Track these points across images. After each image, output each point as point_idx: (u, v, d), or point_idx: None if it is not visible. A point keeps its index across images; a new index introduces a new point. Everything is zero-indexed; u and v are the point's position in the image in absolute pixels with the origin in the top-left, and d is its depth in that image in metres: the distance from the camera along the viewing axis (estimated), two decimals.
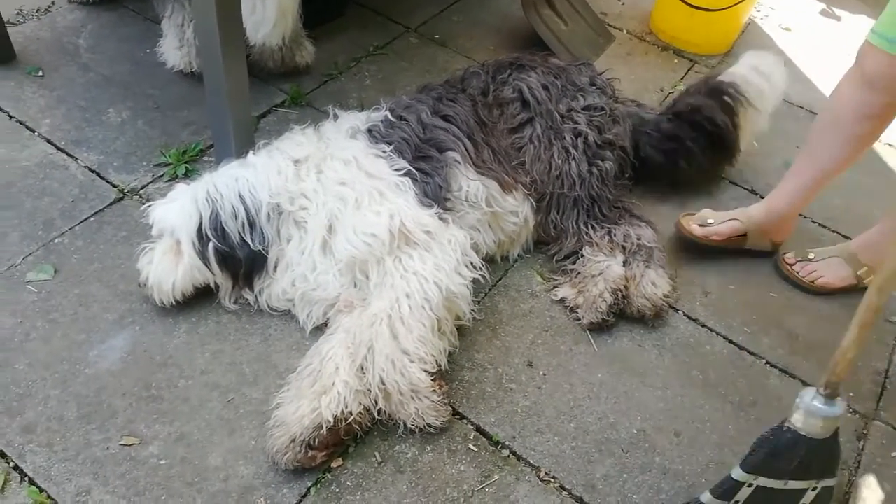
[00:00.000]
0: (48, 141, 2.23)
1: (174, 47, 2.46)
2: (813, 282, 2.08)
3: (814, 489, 1.44)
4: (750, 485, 1.41)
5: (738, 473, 1.41)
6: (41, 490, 1.46)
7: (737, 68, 2.38)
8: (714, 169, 2.38)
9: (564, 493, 1.59)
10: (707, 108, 2.25)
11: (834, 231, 2.33)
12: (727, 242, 2.13)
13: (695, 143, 2.24)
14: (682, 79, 2.91)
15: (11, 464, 1.50)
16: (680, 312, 2.01)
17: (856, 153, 1.91)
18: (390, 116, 1.97)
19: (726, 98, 2.27)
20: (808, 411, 1.34)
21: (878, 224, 2.06)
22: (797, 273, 2.10)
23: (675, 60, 3.02)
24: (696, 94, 2.30)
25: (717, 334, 1.96)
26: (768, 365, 1.91)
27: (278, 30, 2.32)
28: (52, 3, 2.77)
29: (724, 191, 2.42)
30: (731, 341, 1.95)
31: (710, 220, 2.13)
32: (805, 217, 2.34)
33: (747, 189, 2.42)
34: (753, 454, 1.40)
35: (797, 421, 1.35)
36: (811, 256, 2.10)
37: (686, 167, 2.26)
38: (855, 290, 2.07)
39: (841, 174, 1.98)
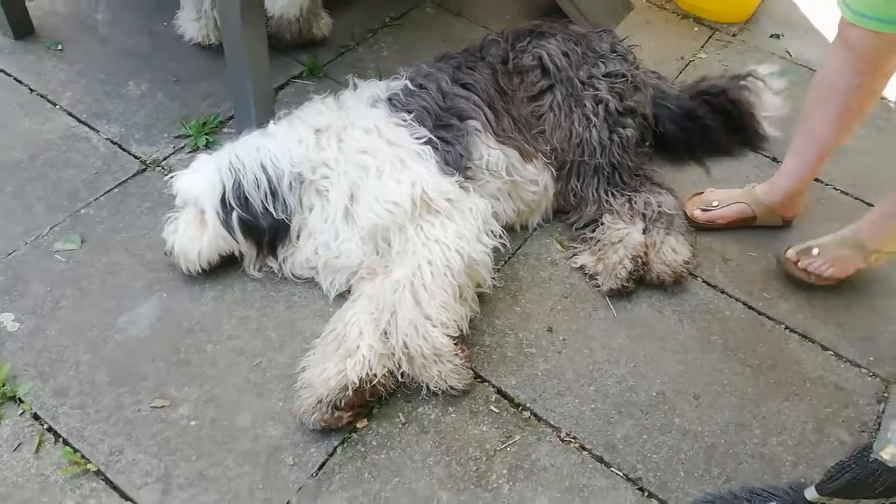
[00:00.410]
0: (70, 114, 2.25)
1: (191, 19, 2.47)
2: (821, 275, 1.96)
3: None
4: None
5: (812, 495, 1.40)
6: (75, 450, 1.51)
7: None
8: (733, 149, 2.36)
9: (585, 452, 1.62)
10: (731, 90, 2.26)
11: (857, 199, 2.30)
12: (738, 224, 2.13)
13: (715, 122, 2.25)
14: (702, 47, 2.88)
15: (45, 426, 1.55)
16: (699, 279, 2.02)
17: (851, 124, 1.87)
18: (410, 85, 1.97)
19: (746, 83, 2.28)
20: None
21: (878, 205, 1.93)
22: (806, 269, 1.97)
23: (695, 28, 2.99)
24: (720, 78, 2.32)
25: (737, 300, 1.97)
26: (787, 329, 1.92)
27: (296, 1, 2.32)
28: None
29: (746, 159, 2.40)
30: (750, 307, 1.96)
31: (715, 203, 2.13)
32: (827, 184, 2.33)
33: (769, 157, 2.40)
34: (832, 480, 1.36)
35: (886, 454, 1.29)
36: (815, 251, 1.96)
37: (705, 145, 2.27)
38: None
39: (859, 139, 1.97)
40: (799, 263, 1.98)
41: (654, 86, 2.24)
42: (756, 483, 1.59)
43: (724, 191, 2.17)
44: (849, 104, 1.82)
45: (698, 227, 2.12)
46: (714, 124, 2.26)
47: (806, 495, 1.41)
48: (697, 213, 2.12)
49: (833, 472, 1.37)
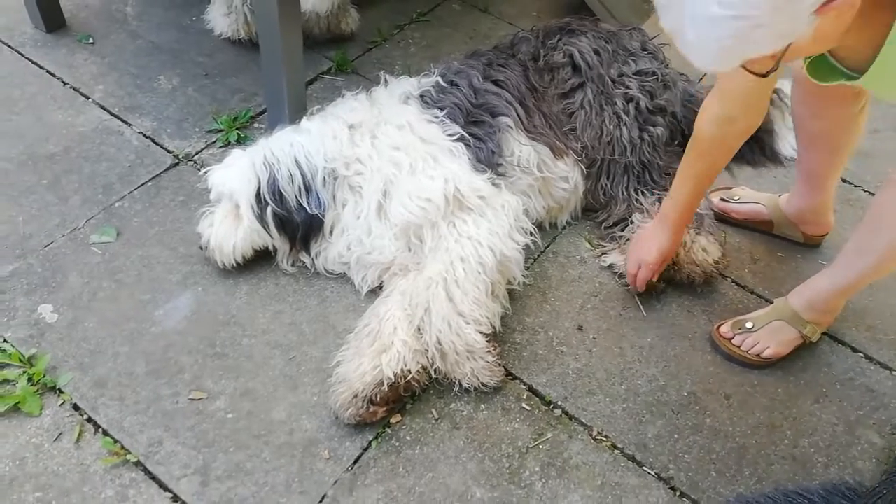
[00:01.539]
0: (102, 107, 2.27)
1: (222, 14, 2.49)
2: (759, 355, 1.79)
3: None
4: None
5: None
6: (115, 441, 1.53)
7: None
8: (755, 160, 2.32)
9: (616, 451, 1.63)
10: None
11: None
12: (753, 224, 2.12)
13: None
14: None
15: (85, 416, 1.57)
16: (729, 279, 2.02)
17: (829, 153, 1.83)
18: (441, 82, 1.97)
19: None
20: None
21: (815, 276, 1.78)
22: (739, 348, 1.80)
23: None
24: None
25: (767, 301, 1.97)
26: None
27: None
28: None
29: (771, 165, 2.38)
30: None
31: (737, 198, 2.13)
32: (855, 186, 2.31)
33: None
34: (880, 498, 1.37)
35: None
36: (749, 325, 1.81)
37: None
38: (802, 347, 1.84)
39: (886, 140, 1.94)
40: (734, 341, 1.82)
41: (682, 89, 2.23)
42: (788, 484, 1.60)
43: (752, 191, 2.17)
44: (811, 133, 1.81)
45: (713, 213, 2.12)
46: None
47: None
48: (715, 200, 2.13)
49: (869, 499, 1.37)
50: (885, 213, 1.52)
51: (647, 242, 1.83)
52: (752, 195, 2.14)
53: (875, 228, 1.56)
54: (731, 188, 2.19)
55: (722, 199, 2.14)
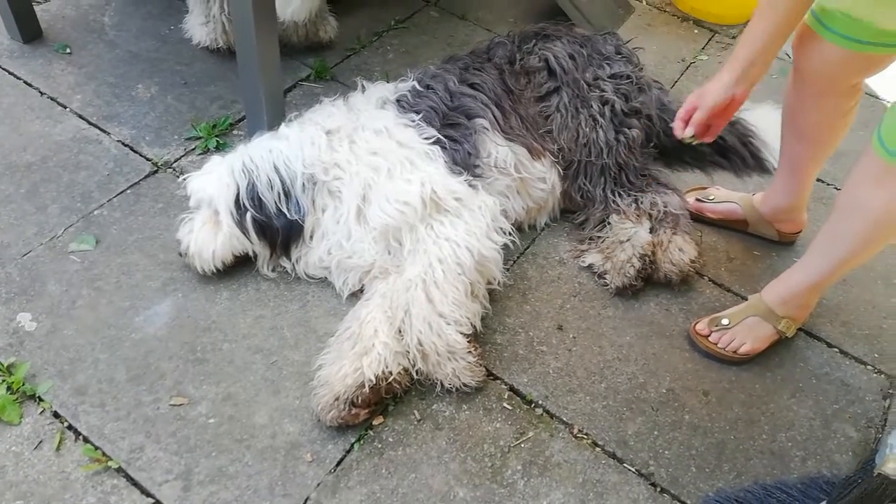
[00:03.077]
0: (80, 116, 2.27)
1: (200, 23, 2.49)
2: (735, 351, 1.82)
3: None
4: None
5: None
6: (96, 447, 1.52)
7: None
8: (735, 171, 2.30)
9: (597, 448, 1.64)
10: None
11: None
12: (728, 223, 2.16)
13: (705, 147, 2.24)
14: (703, 49, 2.92)
15: (66, 424, 1.56)
16: (706, 277, 2.05)
17: (816, 146, 1.85)
18: (418, 86, 2.00)
19: (739, 126, 2.27)
20: None
21: (787, 270, 1.82)
22: (716, 345, 1.83)
23: (696, 31, 3.03)
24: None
25: (743, 298, 1.99)
26: None
27: (305, 6, 2.35)
28: None
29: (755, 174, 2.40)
30: None
31: (711, 197, 2.16)
32: (828, 184, 2.36)
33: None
34: (842, 497, 1.38)
35: (889, 469, 1.30)
36: (724, 322, 1.83)
37: (699, 165, 2.30)
38: (779, 343, 1.87)
39: (859, 140, 1.97)
40: (710, 338, 1.84)
41: (656, 96, 2.26)
42: (767, 479, 1.62)
43: (727, 191, 2.20)
44: (803, 126, 1.83)
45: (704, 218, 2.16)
46: (704, 149, 2.26)
47: None
48: (690, 200, 2.17)
49: (841, 490, 1.40)
50: (857, 201, 1.54)
51: (713, 84, 1.63)
52: (726, 195, 2.18)
53: (846, 215, 1.59)
54: (705, 188, 2.23)
55: (697, 200, 2.18)
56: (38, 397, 1.59)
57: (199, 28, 2.49)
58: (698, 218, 2.16)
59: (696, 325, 1.88)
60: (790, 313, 1.82)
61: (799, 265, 1.77)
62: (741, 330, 1.83)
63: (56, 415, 1.57)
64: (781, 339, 1.87)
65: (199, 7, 2.46)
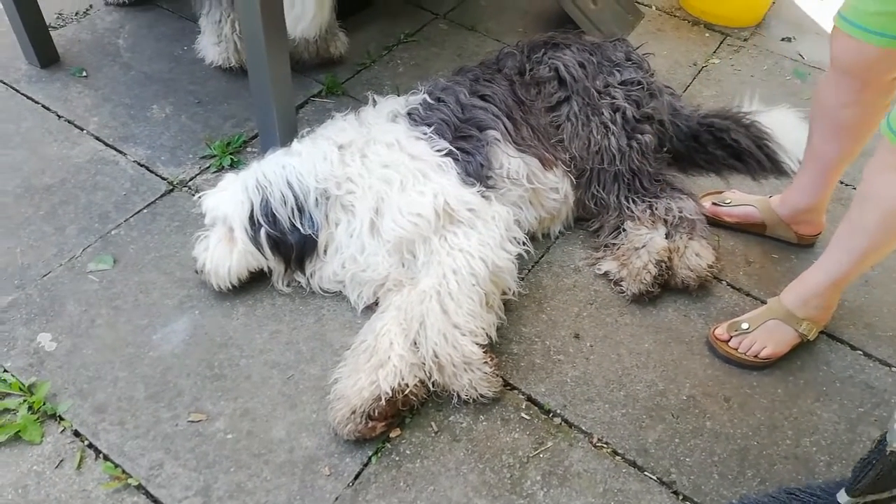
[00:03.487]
0: (97, 138, 2.30)
1: (212, 43, 2.53)
2: (756, 356, 1.80)
3: None
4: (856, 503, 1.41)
5: (845, 499, 1.40)
6: (116, 465, 1.53)
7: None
8: (751, 174, 2.31)
9: (618, 457, 1.62)
10: (734, 131, 2.25)
11: None
12: (746, 227, 2.13)
13: (719, 152, 2.27)
14: (714, 52, 2.91)
15: (86, 442, 1.58)
16: (724, 282, 2.02)
17: (851, 143, 1.82)
18: (429, 99, 2.00)
19: (755, 129, 2.27)
20: None
21: (806, 271, 1.80)
22: (736, 350, 1.81)
23: (707, 34, 3.01)
24: (724, 117, 2.29)
25: (762, 302, 1.97)
26: None
27: (316, 22, 2.37)
28: (91, 5, 2.85)
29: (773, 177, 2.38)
30: None
31: (728, 201, 2.14)
32: (847, 185, 2.33)
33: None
34: (859, 481, 1.37)
35: None
36: (744, 326, 1.81)
37: (713, 169, 2.30)
38: (801, 346, 1.84)
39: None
40: (730, 343, 1.82)
41: (667, 101, 2.26)
42: (791, 484, 1.59)
43: (743, 194, 2.18)
44: (839, 122, 1.79)
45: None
46: (718, 153, 2.27)
47: (839, 499, 1.41)
48: (707, 204, 2.15)
49: (858, 473, 1.38)
50: (874, 189, 1.53)
51: None
52: (742, 198, 2.16)
53: (863, 206, 1.57)
54: (721, 192, 2.21)
55: (713, 203, 2.16)
56: (59, 416, 1.61)
57: (212, 48, 2.53)
58: (715, 222, 2.14)
59: (714, 330, 1.86)
60: (811, 315, 1.79)
61: (818, 264, 1.75)
62: (761, 334, 1.81)
63: (76, 433, 1.59)
64: (803, 343, 1.84)
65: (210, 27, 2.49)
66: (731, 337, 1.83)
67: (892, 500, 1.41)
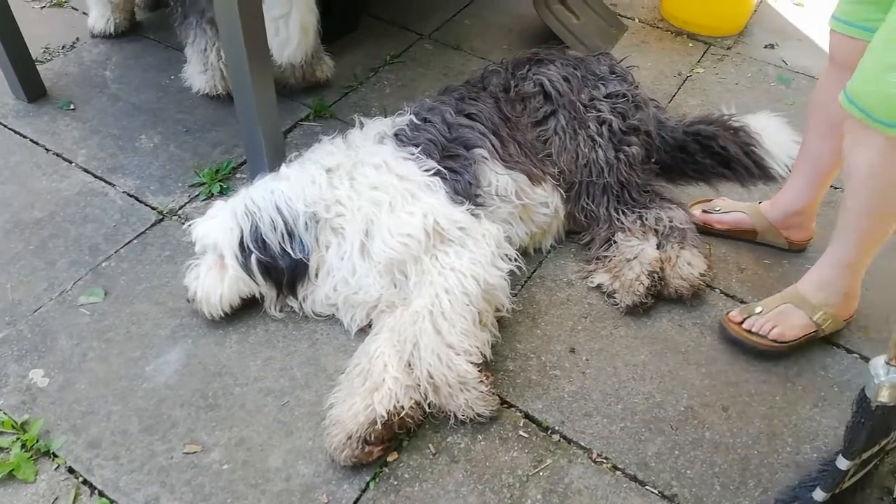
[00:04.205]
0: (85, 170, 2.30)
1: (198, 72, 2.54)
2: (766, 335, 1.82)
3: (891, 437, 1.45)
4: (854, 465, 1.41)
5: (844, 464, 1.40)
6: (112, 501, 1.52)
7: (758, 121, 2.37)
8: (741, 181, 2.32)
9: (618, 472, 1.61)
10: (721, 137, 2.27)
11: None
12: (737, 234, 2.14)
13: (707, 160, 2.29)
14: (698, 62, 2.93)
15: (80, 478, 1.56)
16: (717, 290, 2.02)
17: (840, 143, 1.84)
18: (415, 119, 2.01)
19: (742, 136, 2.29)
20: (893, 385, 1.30)
21: (822, 258, 1.82)
22: (749, 331, 1.84)
23: (690, 44, 3.04)
24: (710, 123, 2.32)
25: None
26: None
27: (301, 48, 2.38)
28: (77, 38, 2.87)
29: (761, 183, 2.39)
30: None
31: (718, 208, 2.15)
32: (837, 188, 2.33)
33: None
34: (853, 441, 1.38)
35: (884, 397, 1.31)
36: (758, 310, 1.84)
37: (700, 178, 2.32)
38: (815, 338, 1.85)
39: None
40: (743, 324, 1.85)
41: (653, 114, 2.27)
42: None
43: (732, 201, 2.19)
44: (832, 118, 1.78)
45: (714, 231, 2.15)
46: (706, 162, 2.29)
47: (839, 466, 1.41)
48: (697, 212, 2.15)
49: (851, 436, 1.39)
50: (852, 164, 1.57)
51: None
52: (732, 205, 2.16)
53: (850, 185, 1.61)
54: (711, 200, 2.21)
55: (703, 211, 2.16)
56: (53, 453, 1.59)
57: (198, 76, 2.54)
58: (705, 230, 2.14)
59: (728, 313, 1.88)
60: (827, 302, 1.81)
61: (827, 250, 1.78)
62: (774, 316, 1.83)
63: (71, 470, 1.57)
64: (818, 335, 1.85)
65: (196, 56, 2.50)
66: (745, 319, 1.85)
67: (880, 451, 1.44)
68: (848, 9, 1.64)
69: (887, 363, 1.31)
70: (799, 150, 1.97)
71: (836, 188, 2.32)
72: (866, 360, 1.86)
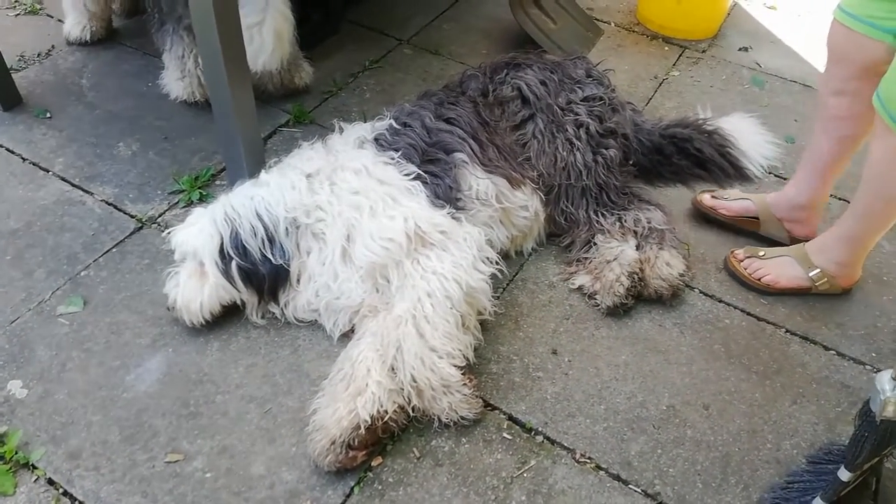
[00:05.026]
0: (63, 179, 2.28)
1: (176, 79, 2.53)
2: (759, 279, 2.00)
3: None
4: (856, 477, 1.43)
5: (846, 475, 1.42)
6: None
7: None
8: (718, 182, 2.35)
9: (601, 472, 1.62)
10: (696, 140, 2.30)
11: (841, 199, 2.35)
12: (740, 223, 2.18)
13: (683, 162, 2.32)
14: (674, 65, 2.97)
15: (61, 490, 1.54)
16: (696, 290, 2.05)
17: (842, 141, 1.90)
18: (395, 124, 2.02)
19: (714, 137, 2.33)
20: None
21: (832, 227, 1.95)
22: (745, 270, 2.02)
23: (666, 48, 3.08)
24: (686, 126, 2.35)
25: (735, 308, 2.00)
26: (788, 333, 1.94)
27: (276, 55, 2.38)
28: (52, 46, 2.84)
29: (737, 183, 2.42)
30: (749, 313, 1.99)
31: (727, 195, 2.21)
32: None
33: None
34: (858, 456, 1.39)
35: (890, 412, 1.32)
36: (761, 254, 2.03)
37: (677, 179, 2.35)
38: (808, 294, 2.00)
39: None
40: (743, 263, 2.03)
41: (629, 117, 2.29)
42: (776, 478, 1.60)
43: (740, 192, 2.24)
44: (830, 112, 1.86)
45: (700, 213, 2.22)
46: (682, 163, 2.32)
47: (841, 477, 1.43)
48: (705, 197, 2.22)
49: (854, 449, 1.40)
50: (871, 152, 1.71)
51: None
52: (740, 194, 2.22)
53: (866, 167, 1.74)
54: (722, 189, 2.27)
55: (713, 197, 2.21)
56: (32, 465, 1.57)
57: (176, 83, 2.53)
58: (710, 217, 2.20)
59: (735, 250, 2.06)
60: (826, 266, 1.93)
61: (837, 221, 1.91)
62: (773, 264, 2.00)
63: (51, 482, 1.55)
64: (809, 291, 1.98)
65: (174, 63, 2.49)
66: (745, 259, 2.02)
67: (882, 460, 1.46)
68: (856, 2, 1.70)
69: (894, 378, 1.32)
70: (807, 147, 2.04)
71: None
72: (843, 356, 1.90)
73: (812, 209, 2.08)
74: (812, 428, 1.73)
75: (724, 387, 1.81)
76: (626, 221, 2.05)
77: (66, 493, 1.53)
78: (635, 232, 2.04)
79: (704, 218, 2.21)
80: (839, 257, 1.93)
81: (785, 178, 2.40)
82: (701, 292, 2.04)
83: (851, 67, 1.76)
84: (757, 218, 2.15)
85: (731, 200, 2.18)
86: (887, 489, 1.61)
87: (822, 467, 1.56)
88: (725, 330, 1.94)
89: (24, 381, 1.72)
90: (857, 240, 1.88)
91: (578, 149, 2.04)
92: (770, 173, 2.41)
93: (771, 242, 2.15)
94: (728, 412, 1.75)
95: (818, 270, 1.95)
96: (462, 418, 1.65)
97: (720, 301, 2.02)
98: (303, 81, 2.64)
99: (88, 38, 2.81)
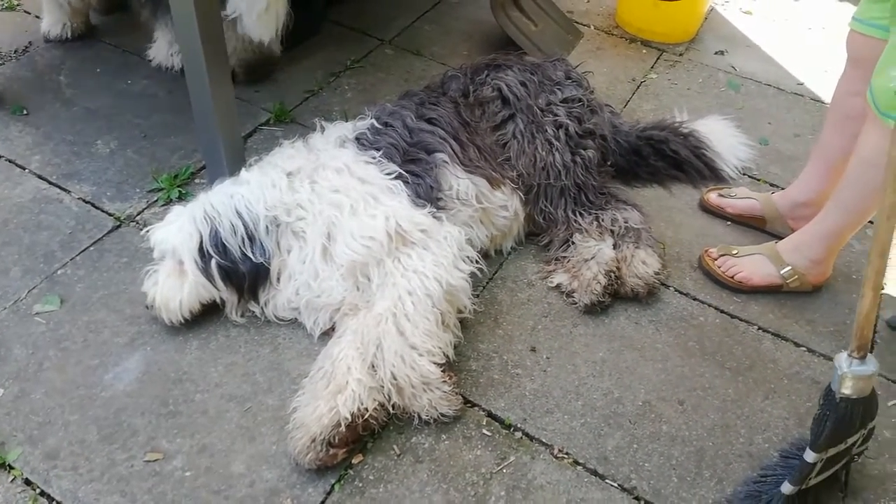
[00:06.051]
0: (39, 177, 2.26)
1: (164, 49, 2.57)
2: (732, 276, 2.05)
3: (861, 434, 1.49)
4: (821, 459, 1.46)
5: (812, 457, 1.45)
6: None
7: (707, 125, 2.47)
8: (693, 183, 2.41)
9: (579, 467, 1.65)
10: (672, 142, 2.36)
11: None
12: (746, 220, 2.25)
13: (660, 163, 2.37)
14: (651, 68, 3.01)
15: (38, 490, 1.53)
16: (671, 288, 2.08)
17: (854, 138, 1.91)
18: (376, 123, 2.03)
19: (689, 139, 2.39)
20: (855, 377, 1.37)
21: (809, 224, 2.00)
22: (718, 268, 2.07)
23: (644, 51, 3.12)
24: (662, 129, 2.40)
25: (709, 305, 2.04)
26: (760, 330, 1.99)
27: (272, 25, 2.41)
28: (30, 42, 2.81)
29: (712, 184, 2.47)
30: (722, 311, 2.03)
31: (733, 194, 2.28)
32: None
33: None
34: (820, 435, 1.42)
35: (847, 389, 1.37)
36: (734, 252, 2.07)
37: (655, 180, 2.39)
38: (779, 291, 2.05)
39: None
40: (717, 262, 2.08)
41: (608, 119, 2.33)
42: (749, 472, 1.64)
43: (749, 190, 2.30)
44: (846, 111, 1.93)
45: (707, 210, 2.29)
46: (659, 164, 2.37)
47: (807, 458, 1.46)
48: (712, 196, 2.29)
49: (817, 429, 1.44)
50: (859, 152, 1.77)
51: None
52: (746, 192, 2.28)
53: (851, 161, 1.81)
54: (728, 187, 2.33)
55: (719, 195, 2.28)
56: (9, 465, 1.55)
57: (164, 52, 2.56)
58: (716, 214, 2.27)
59: (709, 249, 2.10)
60: (798, 263, 1.99)
61: (813, 220, 1.95)
62: (746, 262, 2.04)
63: (28, 482, 1.54)
64: (781, 289, 2.03)
65: (165, 34, 2.51)
66: (719, 257, 2.07)
67: (847, 451, 1.49)
68: (864, 8, 1.82)
69: (849, 355, 1.38)
70: (815, 145, 2.10)
71: (781, 187, 2.42)
72: (814, 352, 1.94)
73: (816, 207, 2.11)
74: (783, 422, 1.77)
75: (699, 383, 1.84)
76: (603, 221, 2.08)
77: (43, 494, 1.52)
78: (612, 231, 2.07)
79: (712, 213, 2.29)
80: (814, 254, 1.98)
81: (758, 180, 2.46)
82: (676, 290, 2.08)
83: (868, 68, 1.79)
84: (763, 217, 2.21)
85: (737, 199, 2.25)
86: (855, 481, 1.65)
87: (794, 461, 1.60)
88: (700, 327, 1.98)
89: None
90: (834, 235, 1.93)
91: (557, 149, 2.07)
92: (744, 174, 2.46)
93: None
94: (702, 407, 1.79)
95: (789, 268, 2.00)
96: (442, 415, 1.67)
97: (695, 299, 2.06)
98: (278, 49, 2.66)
99: (68, 34, 2.79)
